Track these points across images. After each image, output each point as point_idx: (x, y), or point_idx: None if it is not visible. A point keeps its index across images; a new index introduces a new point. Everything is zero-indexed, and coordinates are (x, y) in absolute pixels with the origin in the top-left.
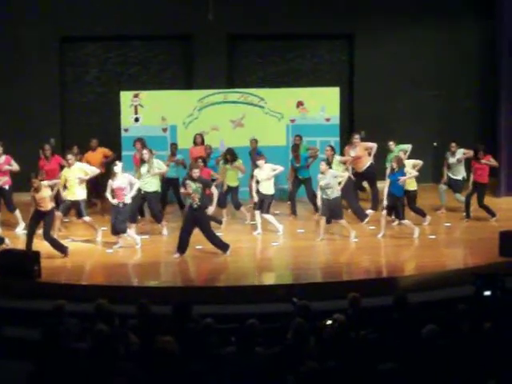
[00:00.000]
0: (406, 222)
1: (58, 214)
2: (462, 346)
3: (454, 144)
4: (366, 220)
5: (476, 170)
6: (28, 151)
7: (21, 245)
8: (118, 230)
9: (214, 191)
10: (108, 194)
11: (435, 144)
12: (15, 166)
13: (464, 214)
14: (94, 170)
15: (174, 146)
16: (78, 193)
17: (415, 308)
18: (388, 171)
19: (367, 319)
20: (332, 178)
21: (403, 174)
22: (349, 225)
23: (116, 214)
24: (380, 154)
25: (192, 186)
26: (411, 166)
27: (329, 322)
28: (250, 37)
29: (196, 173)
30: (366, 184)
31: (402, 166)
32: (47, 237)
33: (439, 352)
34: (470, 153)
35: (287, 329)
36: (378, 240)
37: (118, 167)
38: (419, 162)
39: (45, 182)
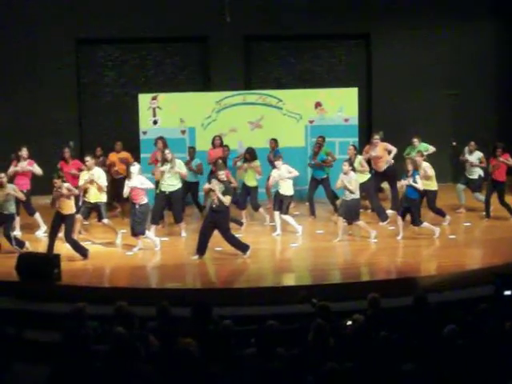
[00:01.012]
0: (424, 225)
1: (79, 216)
2: (483, 346)
3: (473, 143)
4: (387, 221)
5: (494, 168)
6: (46, 154)
7: (41, 248)
8: (136, 232)
9: (225, 200)
10: (125, 194)
11: (454, 143)
12: (38, 170)
13: (484, 213)
14: (103, 186)
15: (191, 149)
16: (98, 196)
17: (435, 308)
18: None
19: (387, 320)
20: (353, 180)
21: (415, 178)
22: (367, 225)
23: (133, 216)
24: (400, 154)
25: (216, 187)
26: (423, 171)
27: (349, 322)
28: (267, 38)
29: (222, 175)
30: (385, 184)
31: (417, 168)
32: (68, 239)
33: (460, 352)
34: (484, 164)
35: (307, 330)
36: (398, 240)
37: (135, 168)
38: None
39: (67, 185)
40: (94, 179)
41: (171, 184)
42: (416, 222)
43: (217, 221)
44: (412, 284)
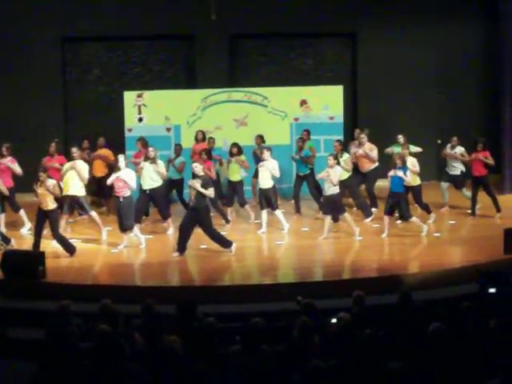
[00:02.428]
0: (413, 219)
1: (63, 215)
2: (468, 344)
3: (455, 138)
4: (371, 217)
5: (472, 164)
6: (30, 151)
7: (26, 245)
8: (124, 228)
9: (205, 191)
10: (109, 182)
11: (439, 142)
12: (18, 169)
13: (469, 211)
14: (84, 178)
15: (177, 146)
16: (76, 188)
17: (420, 306)
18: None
19: (372, 317)
20: (337, 173)
21: (405, 172)
22: (353, 222)
23: (118, 210)
24: (382, 152)
25: (195, 184)
26: (412, 165)
27: (333, 320)
28: (253, 36)
29: (196, 167)
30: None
31: (405, 164)
32: (56, 235)
33: (444, 350)
34: (466, 158)
35: (292, 327)
36: (383, 238)
37: (121, 161)
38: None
39: (53, 181)
40: (75, 169)
41: (152, 181)
42: (405, 215)
43: (197, 218)
44: (397, 282)
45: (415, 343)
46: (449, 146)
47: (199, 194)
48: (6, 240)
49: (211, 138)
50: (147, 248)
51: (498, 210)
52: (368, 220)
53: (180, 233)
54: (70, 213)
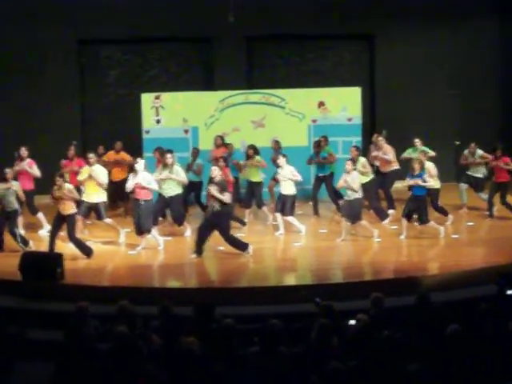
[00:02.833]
0: (431, 223)
1: (79, 217)
2: (485, 346)
3: (473, 145)
4: (387, 220)
5: (495, 170)
6: (48, 154)
7: (44, 247)
8: (142, 230)
9: (228, 198)
10: (129, 188)
11: (457, 143)
12: (36, 172)
13: (487, 212)
14: (103, 183)
15: (195, 150)
16: (96, 195)
17: (438, 308)
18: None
19: (390, 319)
20: (356, 179)
21: (422, 177)
22: (370, 225)
23: (138, 212)
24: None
25: (212, 191)
26: (428, 171)
27: (351, 322)
28: (270, 38)
29: (216, 175)
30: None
31: (423, 169)
32: (72, 239)
33: (462, 352)
34: (489, 158)
35: (311, 329)
36: (401, 240)
37: (140, 165)
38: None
39: (70, 186)
40: (92, 175)
41: (170, 188)
42: (424, 220)
43: (216, 222)
44: (415, 283)
45: (433, 345)
46: (467, 152)
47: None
48: (25, 242)
49: (229, 143)
50: (165, 249)
51: None
52: (385, 222)
53: (198, 235)
54: (86, 216)
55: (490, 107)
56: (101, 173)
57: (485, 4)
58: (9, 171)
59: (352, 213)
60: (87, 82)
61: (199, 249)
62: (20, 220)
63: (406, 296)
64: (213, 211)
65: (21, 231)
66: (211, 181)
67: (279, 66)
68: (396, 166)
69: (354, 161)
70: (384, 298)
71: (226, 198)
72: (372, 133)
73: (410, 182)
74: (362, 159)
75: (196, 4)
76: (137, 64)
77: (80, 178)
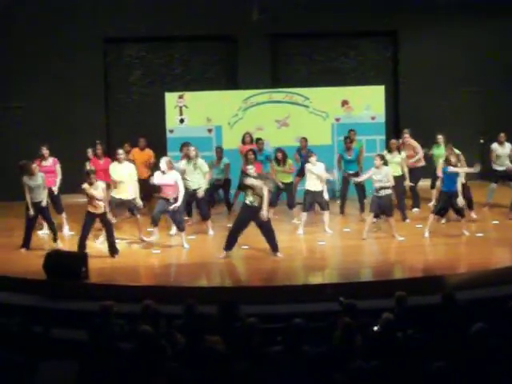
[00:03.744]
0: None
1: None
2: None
3: (503, 134)
4: (408, 220)
5: None
6: (73, 153)
7: (68, 246)
8: (182, 228)
9: (266, 193)
10: (156, 182)
11: (482, 141)
12: (58, 172)
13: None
14: (134, 177)
15: (218, 149)
16: (130, 190)
17: (463, 306)
18: (440, 167)
19: (414, 318)
20: (385, 175)
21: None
22: (395, 223)
23: (167, 211)
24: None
25: (254, 183)
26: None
27: (375, 328)
28: (294, 36)
29: (251, 169)
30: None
31: (457, 161)
32: (111, 238)
33: (488, 351)
34: None
35: (334, 328)
36: (425, 238)
37: (162, 163)
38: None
39: (102, 184)
40: (127, 170)
41: (195, 181)
42: (462, 212)
43: (256, 217)
44: (440, 282)
45: (458, 344)
46: (497, 144)
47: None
48: (55, 239)
49: (260, 139)
50: (189, 248)
51: None
52: (405, 221)
53: (233, 232)
54: (116, 215)
55: None
56: (133, 170)
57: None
58: (35, 165)
59: (383, 209)
60: (111, 81)
61: (231, 246)
62: (63, 218)
63: (431, 295)
64: (252, 207)
65: (46, 231)
66: (247, 175)
67: (303, 65)
68: (422, 163)
69: (383, 156)
70: (408, 296)
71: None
72: (396, 131)
73: (440, 173)
74: (386, 169)
75: (220, 2)
76: (161, 63)
77: (114, 176)
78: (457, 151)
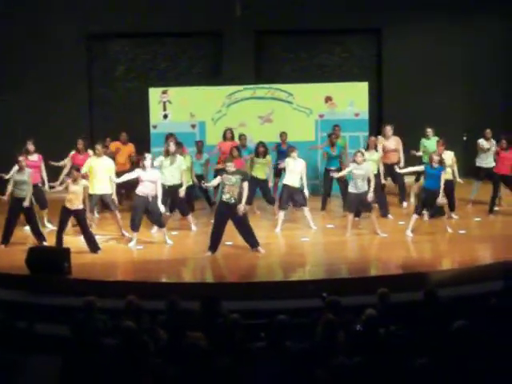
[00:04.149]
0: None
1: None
2: (493, 342)
3: (488, 130)
4: (390, 216)
5: (498, 160)
6: (55, 148)
7: (50, 242)
8: (161, 225)
9: (246, 187)
10: (128, 177)
11: (465, 138)
12: (43, 168)
13: (496, 208)
14: (112, 173)
15: (199, 143)
16: (107, 186)
17: (445, 303)
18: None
19: (397, 314)
20: (366, 171)
21: (442, 170)
22: (377, 219)
23: (146, 209)
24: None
25: (232, 180)
26: (452, 161)
27: (358, 327)
28: (278, 32)
29: (230, 166)
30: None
31: (444, 163)
32: (87, 233)
33: (469, 347)
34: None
35: (317, 324)
36: (407, 235)
37: (148, 160)
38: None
39: (85, 182)
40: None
41: (172, 177)
42: (442, 212)
43: (231, 214)
44: (422, 279)
45: (440, 341)
46: (482, 141)
47: (236, 190)
48: (43, 239)
49: (243, 134)
50: (172, 244)
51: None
52: (387, 218)
53: (214, 231)
54: (92, 210)
55: (499, 102)
56: (112, 168)
57: None
58: (22, 159)
59: (361, 204)
60: (95, 76)
61: (216, 245)
62: (44, 213)
63: (413, 291)
64: (229, 204)
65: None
66: (226, 172)
67: (287, 61)
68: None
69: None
70: (390, 293)
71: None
72: (379, 128)
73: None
74: (366, 165)
75: None
76: (145, 58)
77: (85, 170)
78: (450, 152)
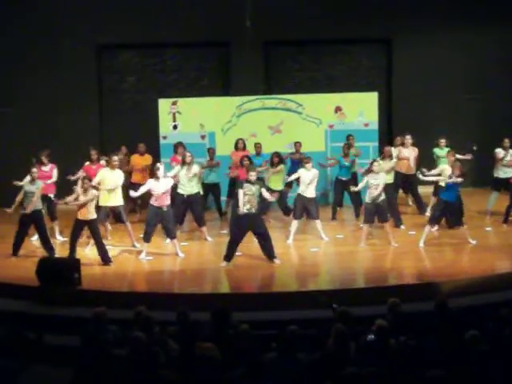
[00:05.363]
0: (465, 227)
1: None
2: (505, 352)
3: (507, 140)
4: (403, 227)
5: None
6: (66, 159)
7: (61, 253)
8: (173, 236)
9: (264, 190)
10: (140, 193)
11: (475, 148)
12: (54, 177)
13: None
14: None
15: (211, 150)
16: (119, 198)
17: (456, 313)
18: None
19: (407, 325)
20: (382, 180)
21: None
22: (391, 230)
23: (161, 219)
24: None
25: (252, 190)
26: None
27: (370, 336)
28: (287, 43)
29: (253, 176)
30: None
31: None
32: (99, 244)
33: (481, 357)
34: None
35: (328, 335)
36: (419, 245)
37: (161, 171)
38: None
39: (95, 192)
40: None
41: (190, 187)
42: (459, 222)
43: (254, 225)
44: (433, 289)
45: (451, 351)
46: (499, 150)
47: (255, 199)
48: (51, 250)
49: (258, 143)
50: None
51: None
52: (400, 228)
53: (232, 242)
54: (106, 221)
55: (509, 111)
56: (122, 179)
57: (505, 7)
58: (35, 170)
59: (379, 214)
60: (105, 87)
61: (231, 256)
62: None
63: (424, 301)
64: (249, 215)
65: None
66: (248, 182)
67: (296, 71)
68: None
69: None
70: (401, 303)
71: (271, 196)
72: (389, 138)
73: (449, 180)
74: (382, 174)
75: (213, 9)
76: (154, 69)
77: (97, 180)
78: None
